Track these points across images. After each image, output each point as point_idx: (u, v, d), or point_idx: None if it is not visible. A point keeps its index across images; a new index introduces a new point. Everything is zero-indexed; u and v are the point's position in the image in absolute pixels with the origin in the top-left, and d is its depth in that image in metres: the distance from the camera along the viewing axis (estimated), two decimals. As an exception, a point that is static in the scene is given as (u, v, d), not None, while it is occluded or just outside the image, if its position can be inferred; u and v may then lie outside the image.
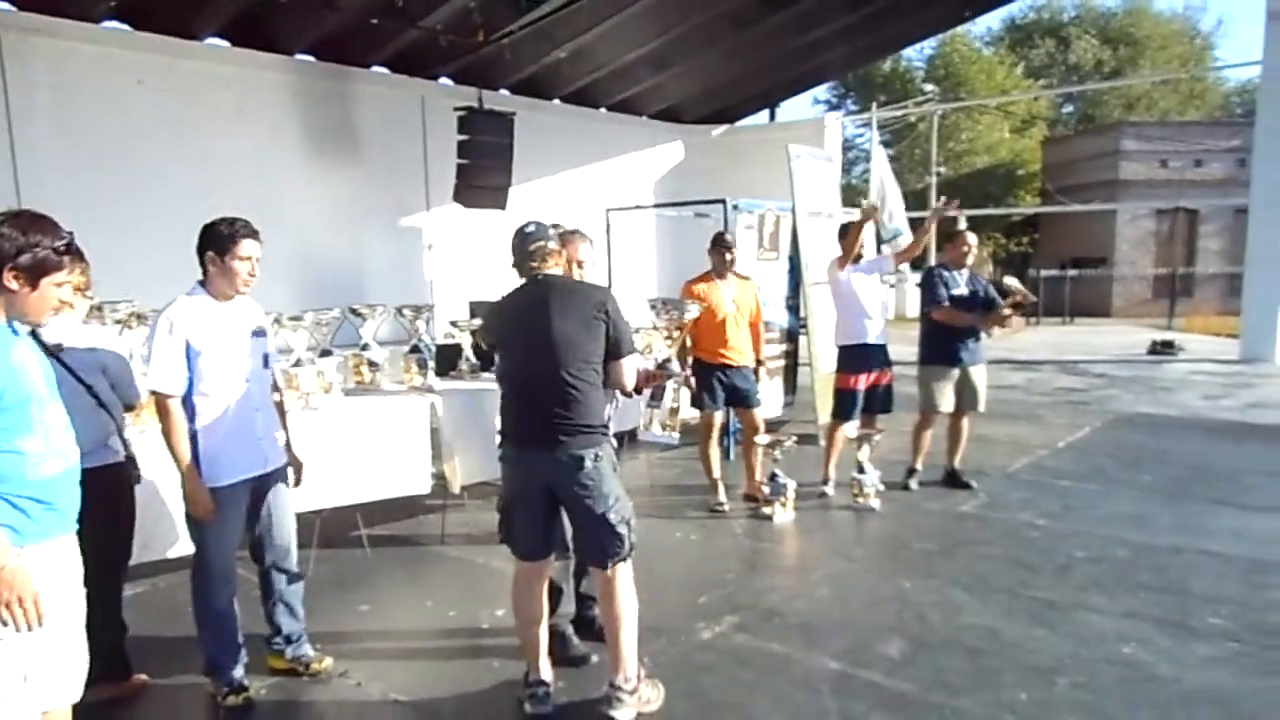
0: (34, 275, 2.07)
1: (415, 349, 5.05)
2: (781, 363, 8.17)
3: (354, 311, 4.88)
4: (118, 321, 3.70)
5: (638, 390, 3.65)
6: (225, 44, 9.00)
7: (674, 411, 4.26)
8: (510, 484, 3.21)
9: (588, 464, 3.02)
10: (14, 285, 2.05)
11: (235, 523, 3.17)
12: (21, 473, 2.02)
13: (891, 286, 13.17)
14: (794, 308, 8.15)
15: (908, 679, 3.38)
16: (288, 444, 3.42)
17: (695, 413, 6.28)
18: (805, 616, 4.01)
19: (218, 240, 3.08)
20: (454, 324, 5.44)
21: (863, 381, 5.91)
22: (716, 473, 5.82)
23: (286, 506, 3.38)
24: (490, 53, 9.82)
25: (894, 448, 6.46)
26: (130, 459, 3.11)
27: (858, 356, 5.95)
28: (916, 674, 3.43)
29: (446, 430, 4.77)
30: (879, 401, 6.01)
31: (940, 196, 6.25)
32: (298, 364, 4.21)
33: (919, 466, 6.20)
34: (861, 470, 5.74)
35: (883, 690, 3.30)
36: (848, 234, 5.99)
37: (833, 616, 4.01)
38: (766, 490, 5.58)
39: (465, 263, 10.31)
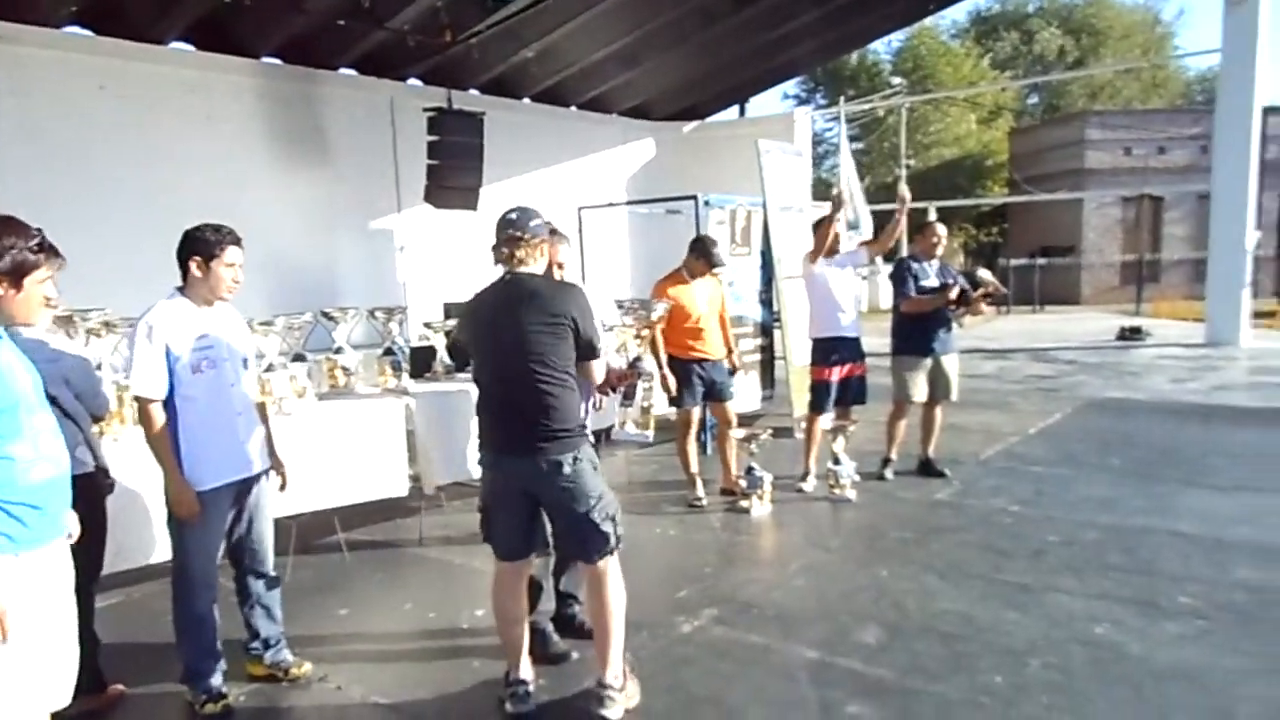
0: (16, 277, 2.09)
1: (389, 351, 5.04)
2: (757, 357, 8.22)
3: (326, 315, 4.85)
4: (88, 331, 3.66)
5: (611, 389, 3.68)
6: (190, 48, 8.90)
7: (646, 410, 4.27)
8: (490, 486, 3.21)
9: (566, 468, 3.02)
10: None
11: (218, 527, 3.16)
12: (13, 479, 2.02)
13: (864, 279, 13.26)
14: (767, 302, 8.20)
15: (885, 665, 3.43)
16: (271, 448, 3.41)
17: (670, 410, 6.32)
18: (783, 607, 4.05)
19: (203, 246, 3.07)
20: (428, 325, 5.43)
21: (836, 373, 5.96)
22: (694, 468, 5.85)
23: (267, 511, 3.38)
24: (459, 53, 9.79)
25: (869, 438, 6.53)
26: (101, 469, 3.08)
27: (831, 349, 6.00)
28: (893, 660, 3.47)
29: (421, 431, 4.76)
30: (853, 393, 6.06)
31: (905, 189, 6.28)
32: (270, 369, 4.19)
33: (894, 456, 6.27)
34: (837, 461, 5.80)
35: (860, 677, 3.34)
36: (820, 227, 6.04)
37: (810, 606, 4.05)
38: (743, 484, 5.62)
39: (438, 264, 10.27)
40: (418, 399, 4.84)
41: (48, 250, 2.22)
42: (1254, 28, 12.78)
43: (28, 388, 2.11)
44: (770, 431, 5.93)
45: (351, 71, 10.37)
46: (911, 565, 4.54)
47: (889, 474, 6.20)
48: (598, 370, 3.20)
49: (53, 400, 2.78)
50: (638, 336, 4.49)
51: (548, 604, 3.60)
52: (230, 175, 8.97)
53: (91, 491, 2.89)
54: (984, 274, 6.05)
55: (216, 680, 3.19)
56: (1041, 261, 25.11)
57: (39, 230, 2.21)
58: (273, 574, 3.39)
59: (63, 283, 4.52)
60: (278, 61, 9.62)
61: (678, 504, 5.77)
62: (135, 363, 2.99)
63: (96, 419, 3.21)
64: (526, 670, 3.21)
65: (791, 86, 35.12)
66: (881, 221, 6.77)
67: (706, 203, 7.26)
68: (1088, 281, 26.65)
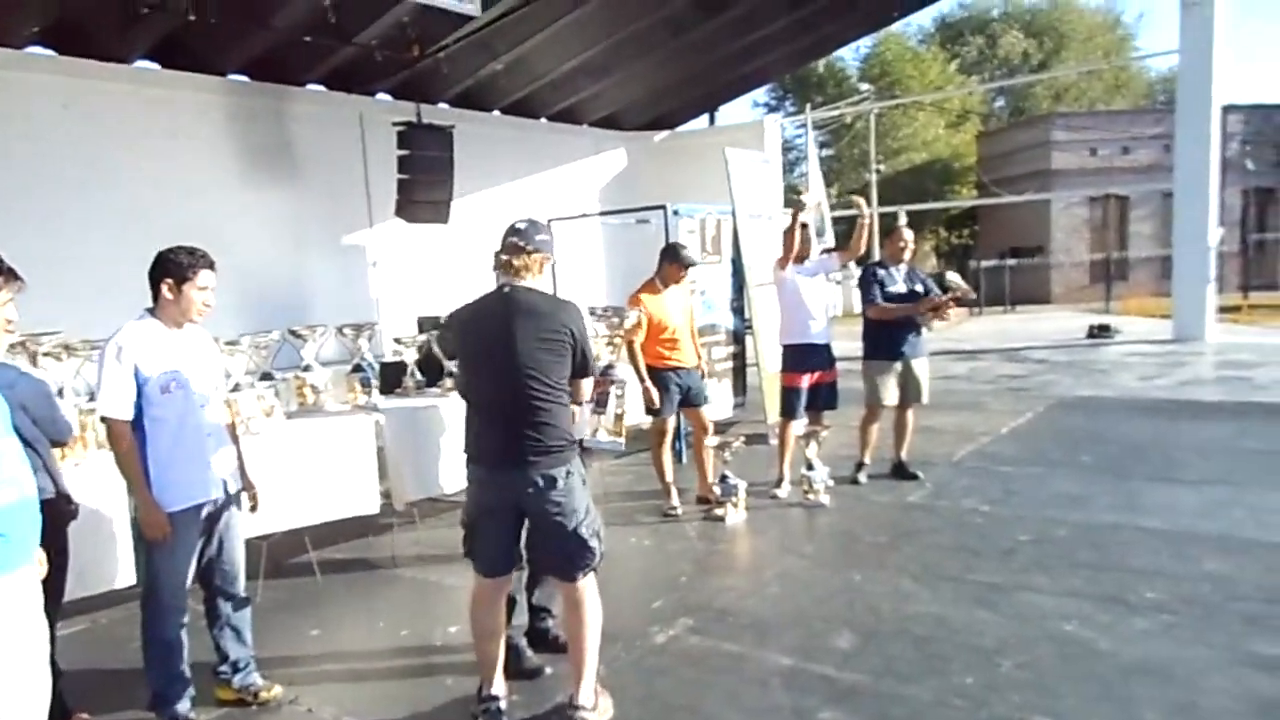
0: None
1: (358, 368, 5.02)
2: (729, 364, 8.26)
3: (294, 333, 4.83)
4: (46, 354, 3.62)
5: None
6: (155, 66, 8.84)
7: (619, 418, 4.28)
8: (477, 502, 3.17)
9: (560, 483, 3.01)
10: None
11: (187, 549, 3.13)
12: None
13: (838, 283, 13.34)
14: (739, 309, 8.24)
15: (858, 670, 3.45)
16: (242, 469, 3.39)
17: (643, 419, 6.32)
18: (757, 614, 4.06)
19: (176, 269, 3.06)
20: (398, 341, 5.41)
21: (806, 380, 6.00)
22: (669, 477, 5.85)
23: (237, 532, 3.36)
24: (427, 67, 9.79)
25: (842, 443, 6.57)
26: (63, 496, 3.04)
27: (802, 355, 6.03)
28: (867, 664, 3.49)
29: (391, 448, 4.74)
30: (823, 399, 6.11)
31: (860, 199, 6.36)
32: (236, 389, 4.16)
33: (867, 460, 6.31)
34: (810, 467, 5.83)
35: (834, 683, 3.36)
36: (787, 234, 6.08)
37: (784, 613, 4.07)
38: (718, 492, 5.64)
39: (410, 278, 10.25)
40: (388, 415, 4.82)
41: (6, 274, 2.20)
42: (1210, 28, 13.03)
43: None
44: (743, 439, 5.96)
45: (320, 87, 10.34)
46: (885, 569, 4.57)
47: (862, 478, 6.24)
48: (587, 388, 3.19)
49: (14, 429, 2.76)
50: (610, 344, 4.51)
51: (521, 618, 3.58)
52: (199, 193, 8.91)
53: (52, 518, 2.85)
54: (953, 277, 6.12)
55: (184, 706, 3.15)
56: (1011, 262, 25.39)
57: None
58: (243, 596, 3.36)
59: (30, 304, 4.48)
60: (245, 78, 9.57)
61: (653, 514, 5.78)
62: (103, 383, 2.97)
63: (58, 444, 3.17)
64: (500, 686, 3.20)
65: (761, 94, 35.34)
66: (848, 230, 6.83)
67: (675, 212, 7.30)
68: (1058, 281, 26.98)
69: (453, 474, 4.82)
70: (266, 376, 4.52)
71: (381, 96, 10.78)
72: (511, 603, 3.45)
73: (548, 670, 3.50)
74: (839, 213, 10.60)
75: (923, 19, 40.46)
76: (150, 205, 8.25)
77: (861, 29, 14.77)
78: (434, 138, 9.56)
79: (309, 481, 4.37)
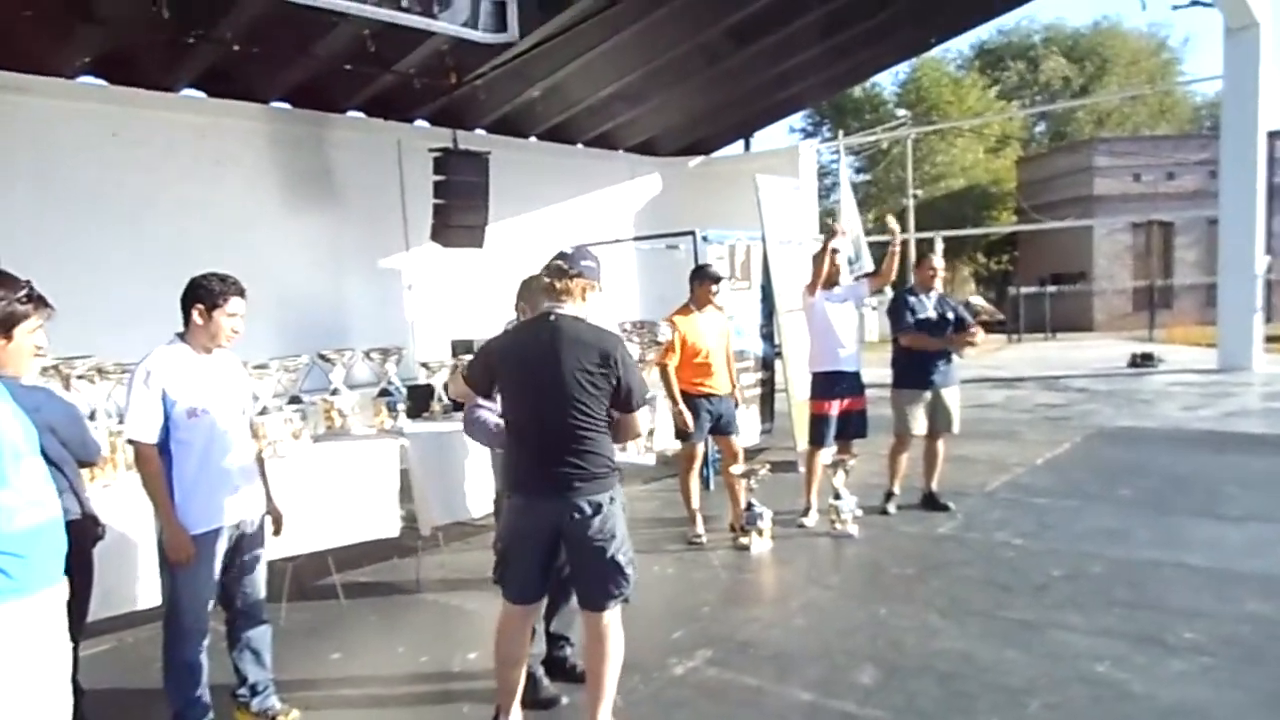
0: (6, 328, 2.14)
1: (385, 392, 5.07)
2: (758, 391, 8.21)
3: (323, 357, 4.89)
4: (80, 377, 3.70)
5: None
6: (200, 95, 9.08)
7: (650, 433, 4.25)
8: (513, 529, 3.13)
9: (605, 508, 2.99)
10: None
11: (209, 572, 3.16)
12: None
13: (874, 309, 13.20)
14: (768, 335, 8.20)
15: (879, 707, 3.38)
16: (267, 494, 3.44)
17: (672, 444, 6.29)
18: (779, 647, 4.00)
19: (208, 295, 3.13)
20: (424, 365, 5.46)
21: (836, 407, 5.94)
22: (695, 504, 5.81)
23: (260, 555, 3.39)
24: (465, 94, 9.94)
25: (872, 472, 6.49)
26: (89, 517, 3.10)
27: (831, 382, 5.98)
28: (888, 701, 3.42)
29: (417, 472, 4.77)
30: (853, 427, 6.04)
31: (892, 221, 6.30)
32: (263, 412, 4.22)
33: (896, 490, 6.22)
34: (838, 496, 5.75)
35: (854, 720, 3.29)
36: (818, 260, 6.05)
37: (807, 646, 4.01)
38: (743, 520, 5.58)
39: (445, 302, 10.35)
40: (413, 440, 4.85)
41: (36, 301, 2.26)
42: (1255, 54, 12.80)
43: (17, 436, 2.13)
44: (769, 466, 5.90)
45: (359, 114, 10.53)
46: (912, 602, 4.48)
47: (892, 508, 6.15)
48: (642, 422, 3.12)
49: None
50: (640, 361, 4.49)
51: (538, 646, 3.56)
52: (241, 218, 9.10)
53: (77, 540, 2.90)
54: (977, 300, 6.07)
55: (203, 728, 3.17)
56: (1052, 289, 24.99)
57: (28, 282, 2.26)
58: (264, 619, 3.39)
59: (76, 329, 4.59)
60: (286, 106, 9.79)
61: (678, 541, 5.73)
62: (131, 407, 3.04)
63: (87, 465, 3.23)
64: (516, 715, 3.18)
65: (797, 120, 35.38)
66: (882, 255, 6.77)
67: (705, 238, 7.31)
68: (1100, 308, 26.49)
69: (479, 499, 4.84)
70: (295, 400, 4.57)
71: (419, 123, 10.95)
72: (530, 632, 3.43)
73: (564, 700, 3.47)
74: (873, 238, 10.53)
75: (961, 45, 40.28)
76: (193, 230, 8.44)
77: (897, 56, 14.75)
78: (470, 163, 9.69)
79: (332, 504, 4.40)
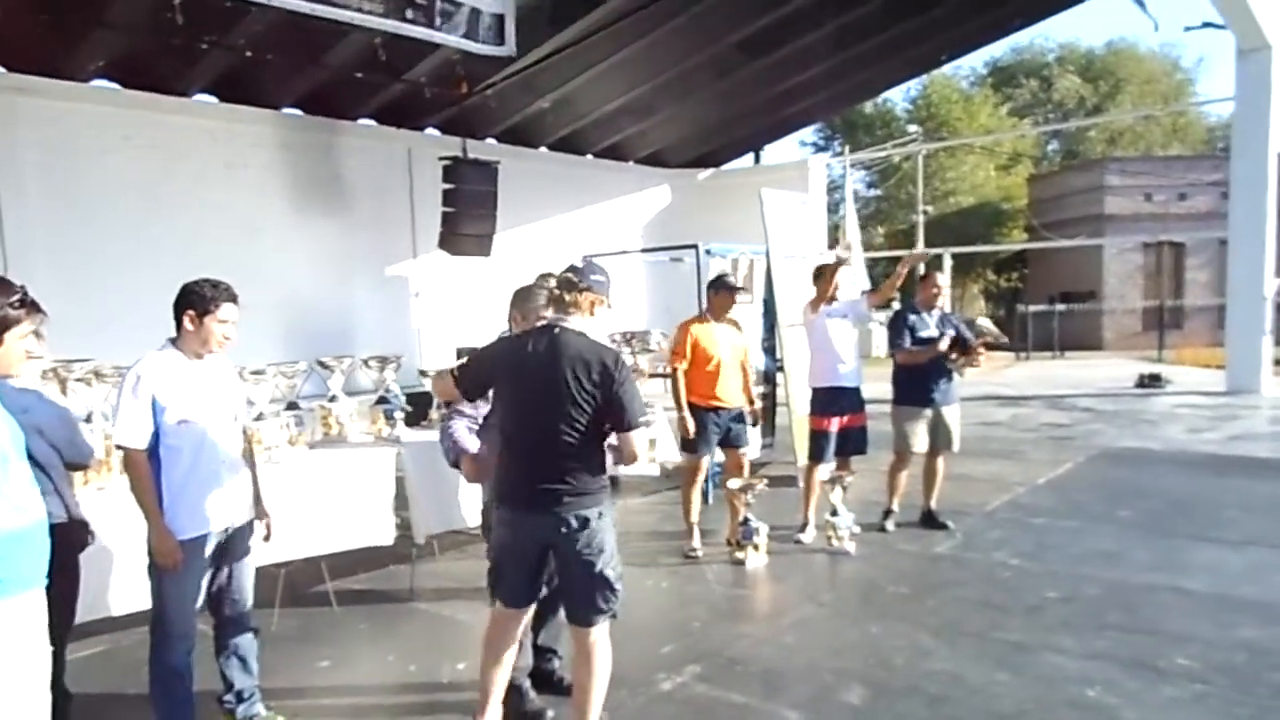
0: None
1: (382, 399, 5.09)
2: (759, 405, 8.18)
3: (321, 364, 4.92)
4: (78, 380, 3.73)
5: None
6: (213, 100, 9.16)
7: (652, 443, 4.25)
8: (502, 544, 3.15)
9: (593, 523, 2.98)
10: None
11: (197, 578, 3.17)
12: None
13: (881, 324, 13.17)
14: (770, 349, 8.20)
15: (866, 727, 3.36)
16: (257, 499, 3.43)
17: (674, 456, 6.30)
18: (769, 664, 3.99)
19: (200, 301, 3.12)
20: (423, 374, 5.47)
21: (835, 424, 5.93)
22: (694, 517, 5.79)
23: (248, 562, 3.39)
24: (475, 103, 10.00)
25: (872, 489, 6.47)
26: (76, 521, 3.10)
27: (830, 399, 5.98)
28: (875, 722, 3.41)
29: (412, 480, 4.78)
30: (852, 443, 6.02)
31: (917, 245, 6.30)
32: (260, 418, 4.24)
33: (895, 508, 6.20)
34: (835, 513, 5.74)
35: (840, 740, 3.28)
36: (821, 276, 6.05)
37: (796, 664, 3.99)
38: (739, 535, 5.57)
39: (452, 310, 10.40)
40: (409, 448, 4.86)
41: (29, 306, 2.28)
42: (1267, 75, 12.77)
43: (4, 439, 2.15)
44: (766, 481, 5.88)
45: (370, 121, 10.62)
46: (905, 621, 4.46)
47: (890, 525, 6.13)
48: (638, 443, 3.09)
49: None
50: (634, 371, 4.50)
51: (525, 659, 3.55)
52: (251, 223, 9.18)
53: (61, 543, 2.92)
54: (983, 322, 6.04)
55: (188, 734, 3.17)
56: (1061, 307, 24.91)
57: (22, 287, 2.28)
58: (252, 625, 3.39)
59: (83, 330, 4.61)
60: (298, 112, 9.87)
61: (674, 555, 5.72)
62: (120, 412, 3.04)
63: (77, 468, 3.25)
64: (494, 715, 3.19)
65: (809, 134, 35.40)
66: (889, 272, 6.78)
67: (708, 251, 7.32)
68: (1110, 327, 26.39)
69: (474, 508, 4.84)
70: (293, 406, 4.60)
71: (430, 131, 11.03)
72: (518, 646, 3.43)
73: (550, 713, 3.46)
74: (888, 253, 10.54)
75: (974, 61, 40.29)
76: (204, 235, 8.52)
77: (907, 73, 14.76)
78: (479, 172, 9.73)
79: (327, 511, 4.42)
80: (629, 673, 3.76)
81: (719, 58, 10.94)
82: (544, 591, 3.27)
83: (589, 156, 13.19)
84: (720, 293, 5.79)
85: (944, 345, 5.82)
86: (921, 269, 6.42)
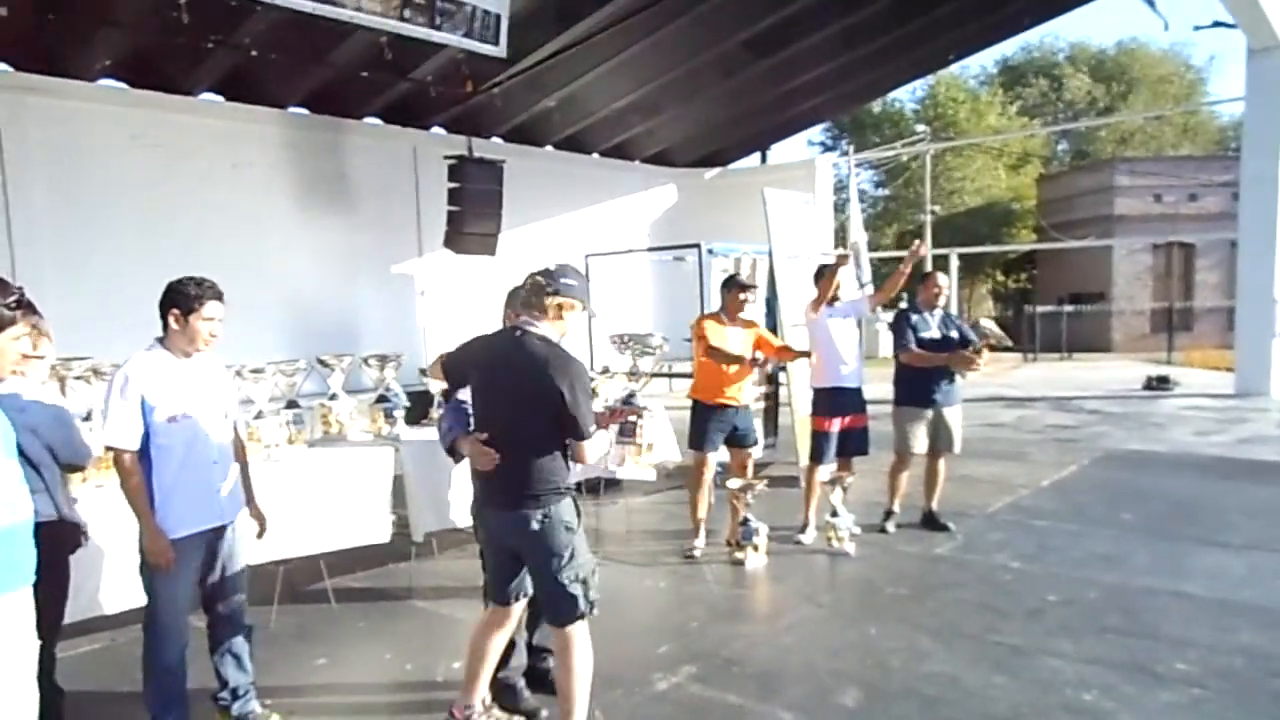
0: None
1: (382, 398, 5.10)
2: (761, 404, 8.18)
3: (321, 362, 4.93)
4: (77, 378, 3.75)
5: (603, 426, 3.62)
6: (219, 99, 9.20)
7: (649, 448, 4.26)
8: (482, 538, 3.29)
9: (533, 525, 3.02)
10: None
11: (188, 576, 3.18)
12: None
13: (888, 324, 13.16)
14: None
15: (860, 729, 3.36)
16: (250, 498, 3.45)
17: (673, 456, 6.29)
18: (765, 665, 3.98)
19: (183, 299, 3.13)
20: (422, 372, 5.49)
21: (836, 424, 5.92)
22: (701, 513, 5.76)
23: (239, 559, 3.39)
24: (481, 102, 10.03)
25: (874, 490, 6.45)
26: (67, 520, 3.10)
27: (832, 399, 5.96)
28: (869, 724, 3.40)
29: (411, 479, 4.79)
30: (853, 444, 6.01)
31: (915, 240, 6.28)
32: (259, 416, 4.26)
33: (896, 509, 6.18)
34: (835, 514, 5.73)
35: (834, 741, 3.27)
36: (823, 277, 6.04)
37: (792, 665, 3.98)
38: (739, 535, 5.57)
39: (457, 308, 10.43)
40: (408, 446, 4.87)
41: (25, 308, 2.28)
42: (1278, 75, 12.67)
43: None
44: (766, 482, 5.87)
45: (376, 120, 10.66)
46: (903, 623, 4.45)
47: (891, 526, 6.11)
48: (589, 452, 3.10)
49: (18, 449, 2.84)
50: (630, 375, 4.50)
51: (520, 659, 3.57)
52: (256, 222, 9.23)
53: (50, 542, 2.92)
54: (986, 323, 6.01)
55: (181, 731, 3.19)
56: (1069, 308, 24.78)
57: (19, 288, 2.28)
58: (245, 623, 3.40)
59: (90, 328, 4.60)
60: (304, 111, 9.92)
61: (675, 555, 5.71)
62: (109, 413, 3.04)
63: (74, 469, 3.26)
64: (475, 705, 3.26)
65: (816, 133, 35.33)
66: (891, 273, 6.76)
67: (710, 251, 7.32)
68: (1118, 329, 26.25)
69: (468, 506, 4.86)
70: (292, 404, 4.61)
71: (436, 130, 11.06)
72: (511, 644, 3.44)
73: (544, 713, 3.46)
74: (892, 254, 10.52)
75: (985, 60, 40.11)
76: (210, 233, 8.56)
77: (914, 72, 14.75)
78: (484, 171, 9.76)
79: (324, 509, 4.43)
80: (624, 672, 3.78)
81: (726, 57, 10.94)
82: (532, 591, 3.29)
83: (595, 155, 13.21)
84: (732, 291, 5.76)
85: (962, 357, 5.80)
86: (928, 265, 6.39)
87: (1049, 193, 31.21)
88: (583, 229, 12.19)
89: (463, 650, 3.37)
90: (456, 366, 3.29)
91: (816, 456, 5.99)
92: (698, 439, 5.65)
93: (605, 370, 6.36)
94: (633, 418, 4.72)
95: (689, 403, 5.76)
